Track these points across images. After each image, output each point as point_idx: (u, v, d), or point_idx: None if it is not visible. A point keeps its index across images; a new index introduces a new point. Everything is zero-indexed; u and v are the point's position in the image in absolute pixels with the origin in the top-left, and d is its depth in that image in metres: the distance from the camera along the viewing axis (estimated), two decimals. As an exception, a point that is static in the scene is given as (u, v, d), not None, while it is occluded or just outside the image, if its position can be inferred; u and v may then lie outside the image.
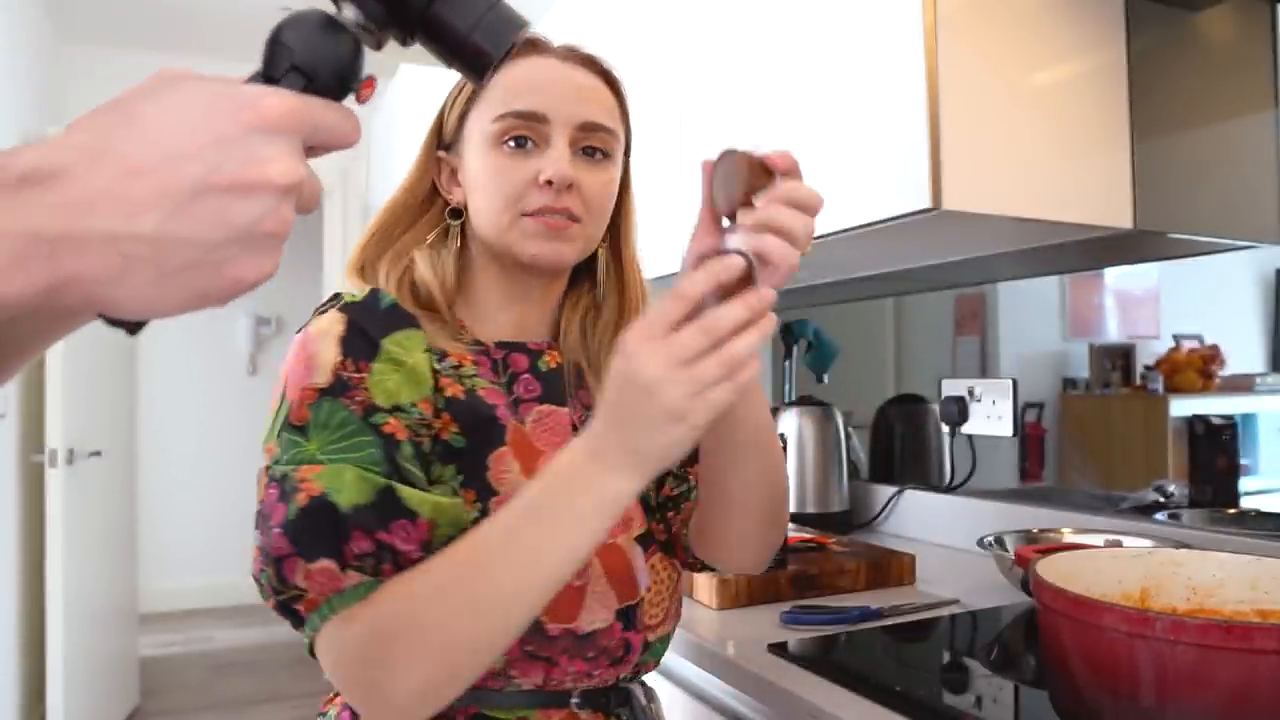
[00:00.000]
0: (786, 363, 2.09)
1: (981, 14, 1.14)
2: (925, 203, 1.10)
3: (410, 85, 2.80)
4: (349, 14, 0.42)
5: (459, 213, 0.82)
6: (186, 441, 4.97)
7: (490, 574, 0.60)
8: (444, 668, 0.60)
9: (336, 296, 0.75)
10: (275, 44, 0.41)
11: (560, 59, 0.80)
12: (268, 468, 0.68)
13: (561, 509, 0.59)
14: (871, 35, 1.20)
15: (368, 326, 0.72)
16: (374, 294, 0.75)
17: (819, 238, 1.32)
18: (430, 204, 0.84)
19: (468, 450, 0.73)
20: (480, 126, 0.79)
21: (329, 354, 0.69)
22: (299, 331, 0.74)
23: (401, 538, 0.65)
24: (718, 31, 1.58)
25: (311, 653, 0.68)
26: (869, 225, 1.22)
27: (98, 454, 2.98)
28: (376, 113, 3.34)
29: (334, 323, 0.71)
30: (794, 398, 1.98)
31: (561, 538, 0.59)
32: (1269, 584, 0.80)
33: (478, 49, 0.45)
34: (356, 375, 0.69)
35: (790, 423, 1.82)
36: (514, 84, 0.78)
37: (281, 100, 0.37)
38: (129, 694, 3.35)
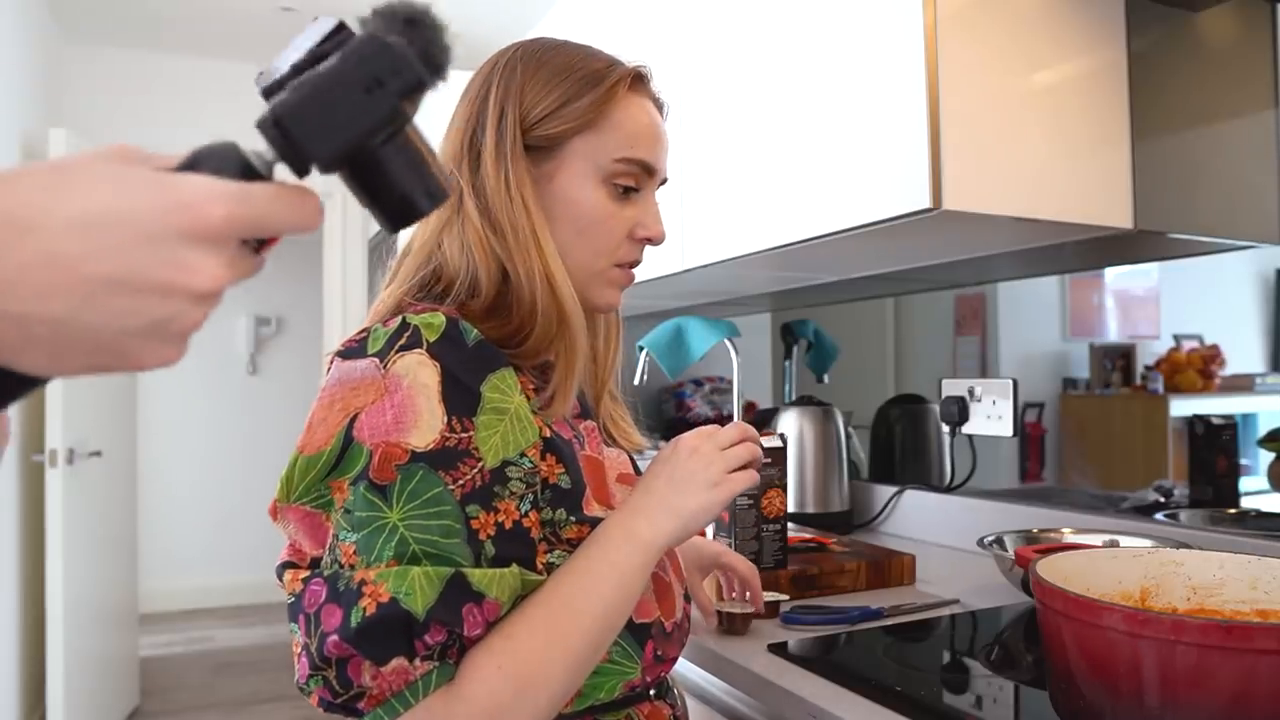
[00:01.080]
0: (786, 363, 2.09)
1: (981, 14, 1.14)
2: (925, 203, 1.10)
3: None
4: (269, 155, 0.38)
5: None
6: (186, 441, 4.98)
7: (585, 628, 0.66)
8: (552, 711, 0.66)
9: (404, 325, 0.67)
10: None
11: (655, 103, 0.83)
12: (337, 522, 0.63)
13: (626, 562, 0.70)
14: (871, 35, 1.20)
15: (462, 374, 0.66)
16: (454, 326, 0.68)
17: (820, 237, 1.32)
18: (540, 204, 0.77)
19: (574, 489, 0.71)
20: (593, 158, 0.76)
21: (431, 413, 0.64)
22: (351, 355, 0.67)
23: (470, 622, 0.62)
24: (718, 31, 1.58)
25: None
26: (869, 225, 1.22)
27: (98, 454, 2.98)
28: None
29: (426, 369, 0.65)
30: (794, 398, 1.98)
31: (633, 586, 0.70)
32: (1269, 584, 0.80)
33: (408, 205, 0.41)
34: (465, 437, 0.64)
35: (790, 423, 1.83)
36: (638, 129, 0.78)
37: (224, 206, 0.35)
38: (129, 694, 3.35)
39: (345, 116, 0.38)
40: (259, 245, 0.39)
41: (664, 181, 0.84)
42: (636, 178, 0.79)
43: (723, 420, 2.61)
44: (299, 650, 0.63)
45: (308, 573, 0.63)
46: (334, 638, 0.59)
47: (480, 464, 0.65)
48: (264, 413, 5.08)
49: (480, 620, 0.62)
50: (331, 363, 0.69)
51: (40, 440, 2.86)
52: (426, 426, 0.63)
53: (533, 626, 0.65)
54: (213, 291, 0.36)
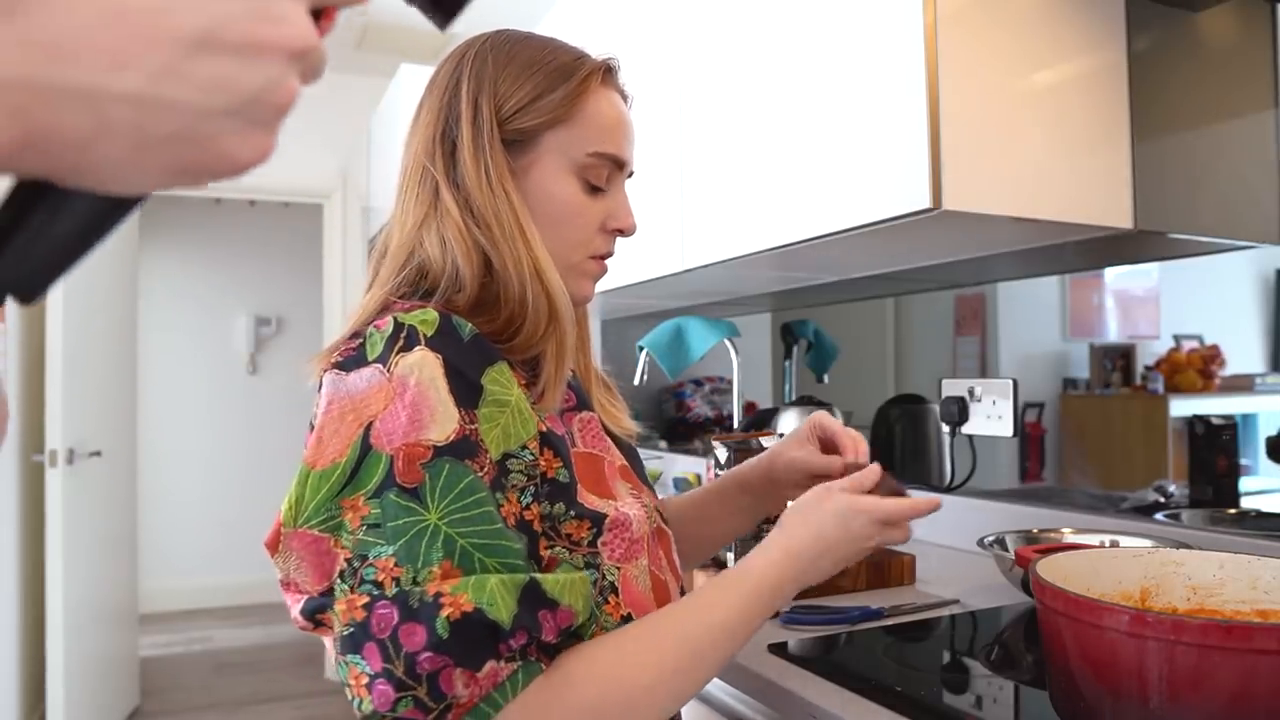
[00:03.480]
0: (786, 363, 2.09)
1: (981, 14, 1.14)
2: (925, 203, 1.10)
3: (410, 85, 2.80)
4: None
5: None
6: (186, 441, 4.98)
7: (707, 663, 0.68)
8: None
9: (399, 326, 0.66)
10: None
11: (622, 96, 0.82)
12: (358, 542, 0.61)
13: (765, 612, 0.72)
14: (871, 35, 1.20)
15: (463, 367, 0.66)
16: (448, 321, 0.67)
17: (820, 237, 1.32)
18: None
19: (570, 484, 0.71)
20: (566, 151, 0.76)
21: (445, 406, 0.63)
22: (351, 364, 0.65)
23: (546, 627, 0.62)
24: (718, 31, 1.58)
25: None
26: (869, 225, 1.22)
27: (98, 454, 2.99)
28: (376, 113, 3.35)
29: (430, 364, 0.64)
30: (794, 398, 1.98)
31: (751, 632, 0.72)
32: (1269, 584, 0.80)
33: None
34: (473, 429, 0.64)
35: (790, 423, 1.82)
36: (609, 123, 0.78)
37: None
38: (129, 694, 3.35)
39: None
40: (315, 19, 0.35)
41: (631, 174, 0.84)
42: (607, 171, 0.79)
43: (723, 420, 2.61)
44: (363, 682, 0.58)
45: (367, 599, 0.59)
46: (427, 654, 0.57)
47: (488, 455, 0.65)
48: (264, 413, 5.08)
49: (554, 626, 0.62)
50: (325, 372, 0.67)
51: (40, 440, 2.86)
52: (443, 419, 0.63)
53: (654, 652, 0.66)
54: (306, 48, 0.31)
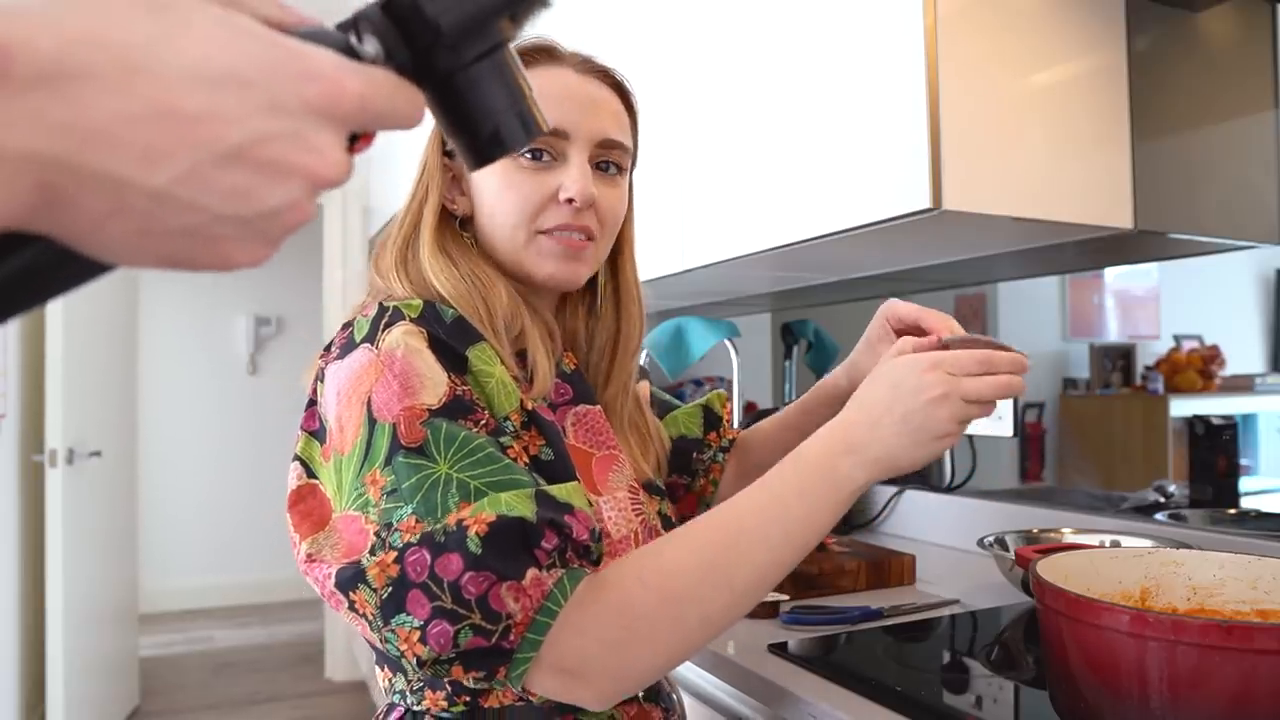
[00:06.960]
0: (786, 363, 2.09)
1: (981, 14, 1.14)
2: (925, 203, 1.10)
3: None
4: (370, 49, 0.35)
5: (466, 222, 0.81)
6: (186, 441, 4.98)
7: (750, 556, 0.63)
8: (689, 644, 0.63)
9: (383, 309, 0.69)
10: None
11: (577, 70, 0.80)
12: (382, 512, 0.61)
13: (819, 498, 0.64)
14: (871, 35, 1.20)
15: (448, 339, 0.68)
16: (431, 307, 0.70)
17: (820, 237, 1.32)
18: (437, 211, 0.79)
19: (557, 463, 0.70)
20: None
21: (434, 372, 0.65)
22: (344, 352, 0.68)
23: (575, 528, 0.62)
24: (718, 31, 1.58)
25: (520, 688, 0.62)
26: (869, 225, 1.22)
27: (98, 454, 2.99)
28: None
29: (414, 336, 0.66)
30: (794, 398, 1.98)
31: (814, 524, 0.65)
32: (1269, 584, 0.80)
33: (497, 134, 0.38)
34: (466, 389, 0.66)
35: (790, 423, 1.82)
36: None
37: (358, 83, 0.31)
38: (129, 694, 3.35)
39: None
40: (351, 144, 0.35)
41: (611, 143, 0.79)
42: (546, 144, 0.77)
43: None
44: (415, 637, 0.58)
45: (396, 553, 0.59)
46: (469, 574, 0.57)
47: (485, 411, 0.67)
48: (264, 413, 5.08)
49: (582, 525, 0.63)
50: (324, 366, 0.70)
51: (40, 440, 2.86)
52: (433, 384, 0.65)
53: (691, 544, 0.64)
54: (335, 179, 0.32)
